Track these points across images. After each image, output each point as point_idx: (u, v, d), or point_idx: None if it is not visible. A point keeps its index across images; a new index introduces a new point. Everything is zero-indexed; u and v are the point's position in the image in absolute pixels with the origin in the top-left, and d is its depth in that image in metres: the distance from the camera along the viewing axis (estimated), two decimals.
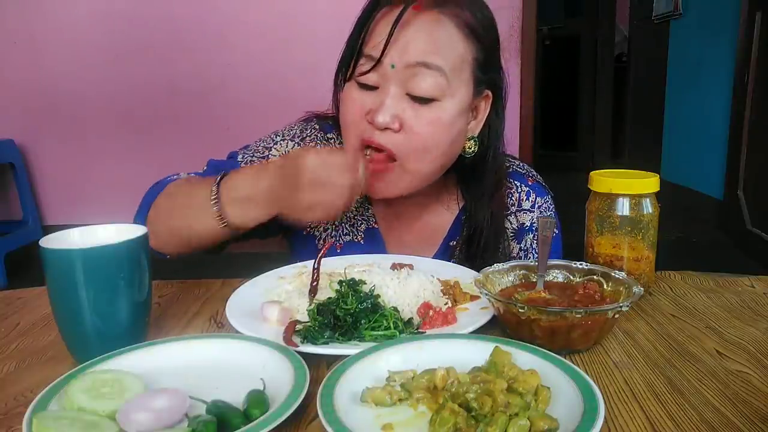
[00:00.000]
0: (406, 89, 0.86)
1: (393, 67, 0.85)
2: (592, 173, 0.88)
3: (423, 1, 0.85)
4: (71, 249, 0.65)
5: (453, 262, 1.01)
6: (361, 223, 1.05)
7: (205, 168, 1.02)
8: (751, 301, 0.85)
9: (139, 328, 0.70)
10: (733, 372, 0.64)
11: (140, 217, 0.93)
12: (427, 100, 0.87)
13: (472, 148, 0.96)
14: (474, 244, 1.01)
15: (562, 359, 0.60)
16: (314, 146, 1.03)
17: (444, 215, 1.06)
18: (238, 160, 1.01)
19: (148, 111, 3.41)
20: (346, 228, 1.05)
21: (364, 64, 0.88)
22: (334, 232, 1.05)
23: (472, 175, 1.00)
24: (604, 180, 0.86)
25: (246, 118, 3.36)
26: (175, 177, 0.97)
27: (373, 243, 1.04)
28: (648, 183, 0.85)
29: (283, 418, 0.50)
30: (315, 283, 0.78)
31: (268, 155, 1.01)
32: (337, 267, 0.85)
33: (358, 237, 1.05)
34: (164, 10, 3.30)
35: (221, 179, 0.84)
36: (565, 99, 6.19)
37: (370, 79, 0.88)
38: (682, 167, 4.40)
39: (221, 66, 3.36)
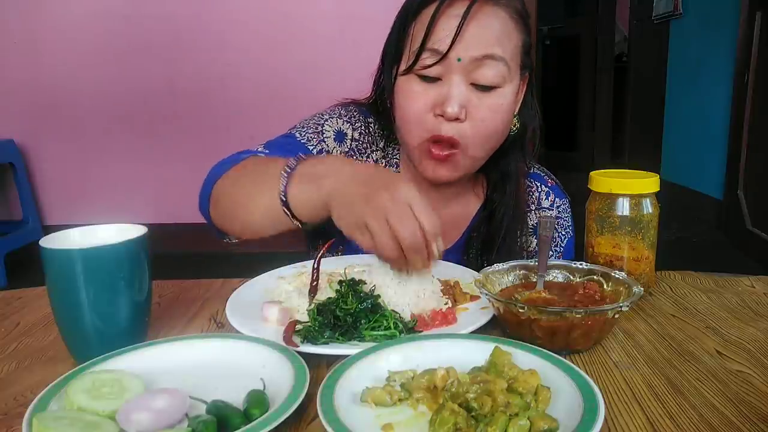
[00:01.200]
0: (470, 79, 0.89)
1: (459, 60, 0.88)
2: (592, 173, 0.88)
3: None
4: (71, 249, 0.65)
5: (471, 253, 1.04)
6: None
7: (263, 147, 0.97)
8: (751, 301, 0.85)
9: (139, 328, 0.70)
10: (733, 372, 0.64)
11: (204, 199, 0.89)
12: (490, 88, 0.90)
13: (516, 125, 1.00)
14: (494, 227, 1.03)
15: (562, 359, 0.60)
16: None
17: (470, 206, 1.09)
18: (297, 138, 1.01)
19: (148, 111, 3.41)
20: None
21: (427, 58, 0.89)
22: None
23: (506, 152, 1.02)
24: (604, 180, 0.86)
25: (246, 118, 3.36)
26: (247, 155, 0.91)
27: None
28: (648, 183, 0.85)
29: (283, 418, 0.51)
30: (315, 283, 0.78)
31: (321, 131, 1.03)
32: (337, 267, 0.85)
33: None
34: (164, 10, 3.30)
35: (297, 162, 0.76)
36: (565, 99, 6.19)
37: (433, 71, 0.89)
38: (682, 167, 4.40)
39: (221, 66, 3.36)
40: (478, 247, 1.04)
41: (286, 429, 0.53)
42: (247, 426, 0.49)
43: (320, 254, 0.80)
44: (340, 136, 1.04)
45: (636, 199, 0.84)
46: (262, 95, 3.37)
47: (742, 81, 3.42)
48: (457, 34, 0.86)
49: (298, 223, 0.75)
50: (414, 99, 0.91)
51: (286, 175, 0.74)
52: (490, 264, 0.98)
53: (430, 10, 0.88)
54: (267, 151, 0.97)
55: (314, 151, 1.01)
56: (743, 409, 0.57)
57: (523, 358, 0.60)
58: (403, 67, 0.92)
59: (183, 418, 0.52)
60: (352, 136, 1.05)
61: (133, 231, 0.71)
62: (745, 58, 3.38)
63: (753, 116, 3.33)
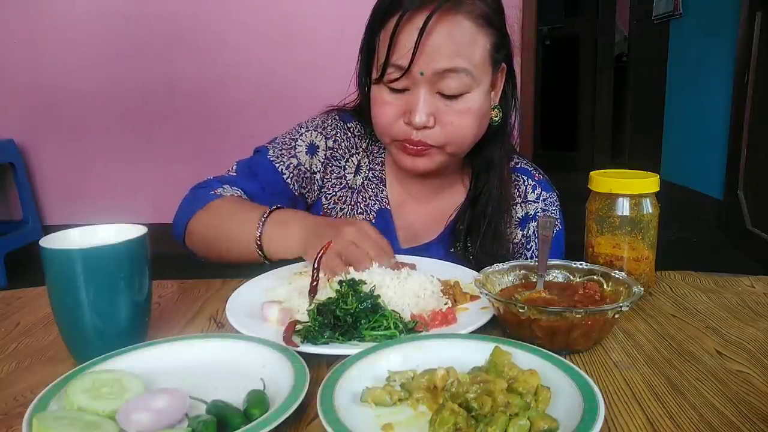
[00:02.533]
0: (436, 89, 0.92)
1: (422, 74, 0.90)
2: (592, 173, 0.88)
3: (444, 6, 0.87)
4: (71, 249, 0.65)
5: (458, 246, 1.06)
6: (375, 204, 1.09)
7: (235, 168, 1.09)
8: (751, 301, 0.85)
9: (139, 328, 0.70)
10: (733, 372, 0.64)
11: (179, 227, 1.02)
12: (456, 96, 0.92)
13: (498, 116, 1.02)
14: (478, 213, 1.04)
15: (562, 359, 0.60)
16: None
17: (455, 196, 1.10)
18: (269, 155, 1.08)
19: (148, 111, 3.41)
20: (361, 207, 1.09)
21: (393, 72, 0.91)
22: (349, 212, 1.10)
23: (489, 140, 1.04)
24: (604, 180, 0.86)
25: (246, 118, 3.36)
26: (217, 192, 1.02)
27: (384, 223, 1.08)
28: (648, 183, 0.85)
29: (283, 418, 0.51)
30: (315, 283, 0.78)
31: (294, 145, 1.08)
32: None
33: (371, 216, 1.09)
34: (164, 10, 3.29)
35: (266, 216, 0.93)
36: (565, 99, 6.18)
37: (400, 84, 0.92)
38: (682, 167, 4.40)
39: (221, 66, 3.35)
40: (464, 235, 1.06)
41: (286, 429, 0.53)
42: (247, 426, 0.49)
43: (320, 254, 0.80)
44: (312, 149, 1.09)
45: (636, 199, 0.84)
46: (262, 95, 3.37)
47: (742, 81, 3.42)
48: (416, 49, 0.87)
49: (266, 261, 0.93)
50: (384, 108, 0.95)
51: (260, 223, 0.92)
52: (475, 252, 1.00)
53: (393, 22, 0.89)
54: (235, 175, 1.08)
55: (281, 167, 1.07)
56: (743, 409, 0.57)
57: (523, 358, 0.60)
58: (374, 76, 0.95)
59: (183, 418, 0.52)
60: (326, 145, 1.09)
61: (133, 231, 0.71)
62: (745, 58, 3.38)
63: (753, 116, 3.33)
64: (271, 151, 1.08)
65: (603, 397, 0.52)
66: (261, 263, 0.94)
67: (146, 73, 3.35)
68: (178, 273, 0.97)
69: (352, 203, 1.10)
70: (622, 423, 0.54)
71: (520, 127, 1.10)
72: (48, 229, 2.71)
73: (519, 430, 0.49)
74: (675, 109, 4.60)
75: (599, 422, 0.48)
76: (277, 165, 1.07)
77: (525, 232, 1.09)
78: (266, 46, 3.34)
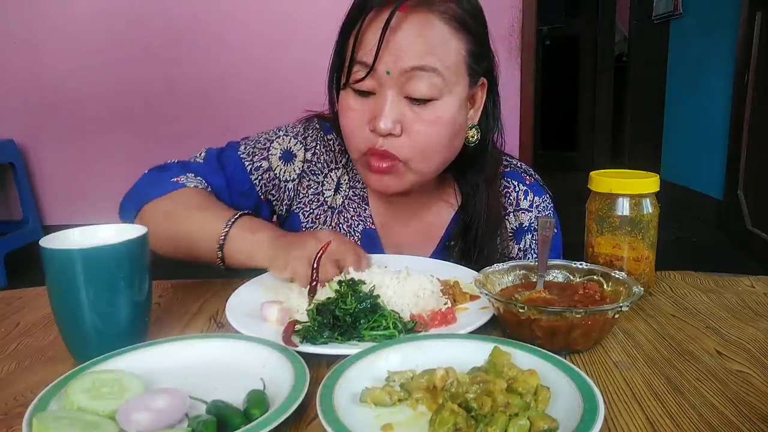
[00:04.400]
0: (404, 93, 0.86)
1: (388, 73, 0.85)
2: (592, 173, 0.88)
3: (411, 1, 0.84)
4: (71, 249, 0.65)
5: (452, 262, 1.01)
6: (359, 224, 1.05)
7: (203, 155, 1.03)
8: (751, 301, 0.85)
9: (139, 328, 0.70)
10: (733, 372, 0.64)
11: (130, 208, 0.95)
12: (426, 101, 0.86)
13: (475, 137, 0.96)
14: (470, 238, 1.00)
15: (562, 359, 0.60)
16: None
17: (442, 214, 1.06)
18: (239, 151, 1.02)
19: (148, 111, 3.41)
20: (344, 229, 1.05)
21: (358, 71, 0.87)
22: None
23: (471, 164, 1.00)
24: (604, 180, 0.86)
25: (246, 118, 3.36)
26: (180, 180, 0.96)
27: (370, 244, 1.04)
28: (648, 183, 0.85)
29: (283, 418, 0.51)
30: (314, 283, 0.78)
31: (269, 147, 1.03)
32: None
33: (355, 238, 1.05)
34: (164, 10, 3.30)
35: (232, 222, 0.87)
36: (565, 99, 6.18)
37: (366, 85, 0.87)
38: (682, 167, 4.40)
39: (221, 66, 3.36)
40: (457, 257, 1.02)
41: (286, 429, 0.53)
42: (247, 426, 0.49)
43: (320, 254, 0.80)
44: (287, 156, 1.03)
45: (636, 199, 0.84)
46: (262, 95, 3.37)
47: (742, 81, 3.41)
48: (380, 46, 0.82)
49: (221, 264, 0.88)
50: (350, 114, 0.90)
51: (228, 224, 0.86)
52: None
53: (360, 21, 0.85)
54: (202, 163, 1.01)
55: (250, 167, 1.01)
56: (743, 409, 0.57)
57: (523, 358, 0.60)
58: (343, 81, 0.90)
59: (183, 418, 0.52)
60: (305, 157, 1.04)
61: (133, 231, 0.71)
62: (745, 58, 3.38)
63: (753, 116, 3.33)
64: (243, 148, 1.03)
65: (603, 397, 0.52)
66: (215, 266, 0.89)
67: (146, 73, 3.35)
68: (178, 273, 0.97)
69: (334, 224, 1.05)
70: (622, 423, 0.54)
71: (503, 147, 1.05)
72: (48, 229, 2.70)
73: (519, 430, 0.49)
74: (675, 109, 4.60)
75: (599, 422, 0.48)
76: (247, 164, 1.01)
77: (521, 246, 1.05)
78: (266, 46, 3.34)
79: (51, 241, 0.67)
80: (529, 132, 3.45)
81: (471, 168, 1.00)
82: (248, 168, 1.01)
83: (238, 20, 3.32)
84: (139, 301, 0.69)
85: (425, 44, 0.84)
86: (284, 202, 1.05)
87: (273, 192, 1.04)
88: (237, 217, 0.87)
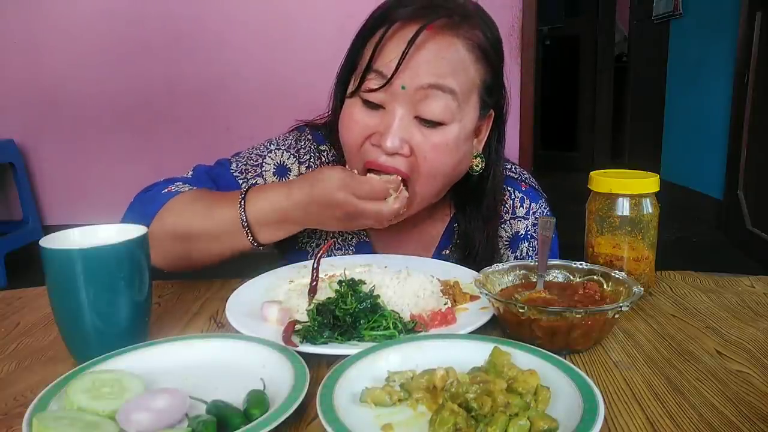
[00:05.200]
0: (415, 112, 0.84)
1: (404, 88, 0.83)
2: (592, 173, 0.88)
3: (438, 22, 0.83)
4: (71, 249, 0.65)
5: None
6: (352, 237, 1.04)
7: (191, 173, 1.00)
8: (751, 301, 0.85)
9: (139, 328, 0.70)
10: (733, 372, 0.64)
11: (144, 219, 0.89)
12: (435, 124, 0.85)
13: (480, 165, 0.95)
14: (467, 255, 1.00)
15: (562, 359, 0.60)
16: (331, 167, 0.92)
17: (436, 225, 1.05)
18: (231, 168, 0.99)
19: (148, 111, 3.41)
20: (338, 243, 1.04)
21: (372, 80, 0.84)
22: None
23: (471, 193, 0.99)
24: (604, 180, 0.86)
25: (246, 118, 3.37)
26: (172, 189, 0.92)
27: None
28: (648, 183, 0.85)
29: (283, 418, 0.51)
30: (314, 283, 0.78)
31: (262, 163, 1.00)
32: (337, 267, 0.85)
33: (350, 251, 1.04)
34: (164, 10, 3.30)
35: (244, 201, 0.85)
36: (565, 99, 6.19)
37: (377, 97, 0.85)
38: (682, 167, 4.40)
39: (221, 66, 3.36)
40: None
41: (286, 429, 0.53)
42: (247, 426, 0.49)
43: (320, 254, 0.80)
44: (281, 171, 1.00)
45: (636, 199, 0.84)
46: (262, 95, 3.37)
47: (742, 81, 3.41)
48: (402, 59, 0.81)
49: (255, 243, 0.86)
50: (354, 126, 0.87)
51: (249, 235, 0.85)
52: None
53: (381, 32, 0.84)
54: (190, 177, 0.97)
55: (244, 185, 0.97)
56: (743, 409, 0.57)
57: (523, 359, 0.60)
58: (350, 89, 0.88)
59: (183, 418, 0.52)
60: (299, 171, 1.01)
61: (133, 231, 0.71)
62: (745, 58, 3.38)
63: (753, 116, 3.33)
64: (234, 165, 0.99)
65: (603, 397, 0.52)
66: (249, 251, 0.86)
67: (146, 73, 3.36)
68: (178, 273, 0.97)
69: (328, 238, 1.02)
70: (622, 423, 0.54)
71: (517, 138, 1.05)
72: (48, 229, 2.70)
73: (519, 430, 0.49)
74: (675, 109, 4.60)
75: (599, 422, 0.48)
76: (240, 181, 0.98)
77: (518, 255, 1.04)
78: (266, 46, 3.34)
79: (51, 241, 0.67)
80: (529, 132, 3.45)
81: (471, 198, 0.99)
82: (243, 186, 0.97)
83: (238, 20, 3.32)
84: (139, 301, 0.69)
85: (447, 65, 0.83)
86: None
87: None
88: (245, 193, 0.86)
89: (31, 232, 3.26)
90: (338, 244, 1.04)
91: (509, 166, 1.08)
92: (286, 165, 1.01)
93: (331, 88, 0.97)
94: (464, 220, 1.01)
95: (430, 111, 0.84)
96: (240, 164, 1.00)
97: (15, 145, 3.32)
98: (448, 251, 1.04)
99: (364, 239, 1.04)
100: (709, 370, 0.65)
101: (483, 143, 0.96)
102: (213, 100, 3.40)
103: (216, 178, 0.99)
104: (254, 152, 1.02)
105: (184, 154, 3.41)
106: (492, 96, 0.92)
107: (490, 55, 0.88)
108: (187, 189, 0.93)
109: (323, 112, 1.03)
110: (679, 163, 4.48)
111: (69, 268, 0.64)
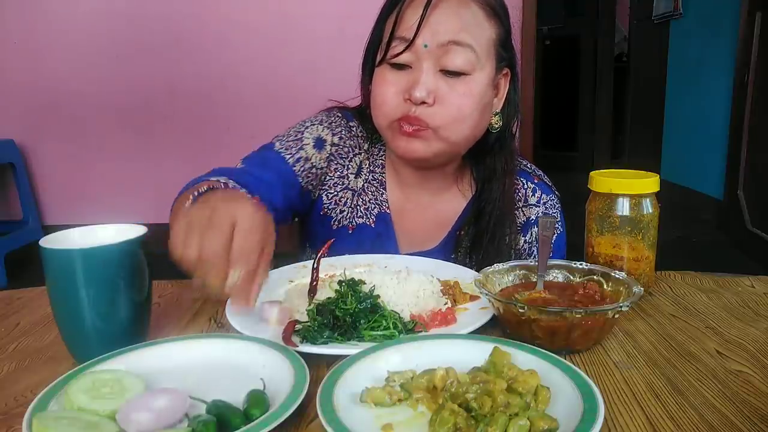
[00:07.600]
0: (439, 65, 0.92)
1: (426, 46, 0.91)
2: (592, 173, 0.88)
3: None
4: (71, 249, 0.65)
5: (459, 252, 1.05)
6: (375, 207, 1.09)
7: (241, 164, 1.02)
8: (751, 301, 0.85)
9: (139, 328, 0.70)
10: (733, 372, 0.64)
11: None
12: (459, 74, 0.92)
13: (498, 123, 1.03)
14: (482, 224, 1.04)
15: (562, 359, 0.60)
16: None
17: (455, 203, 1.10)
18: (275, 148, 1.06)
19: (149, 111, 3.41)
20: (361, 210, 1.09)
21: (396, 46, 0.93)
22: (349, 214, 1.09)
23: (491, 150, 1.05)
24: (604, 180, 0.86)
25: (246, 118, 3.36)
26: (200, 178, 0.92)
27: (384, 227, 1.08)
28: (648, 183, 0.85)
29: (283, 418, 0.51)
30: (314, 283, 0.78)
31: (301, 138, 1.07)
32: (337, 267, 0.85)
33: (371, 220, 1.08)
34: (164, 10, 3.29)
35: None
36: (565, 99, 6.19)
37: (403, 58, 0.93)
38: (682, 167, 4.40)
39: (221, 66, 3.35)
40: (466, 246, 1.05)
41: (286, 429, 0.53)
42: (247, 426, 0.49)
43: (320, 254, 0.80)
44: (319, 143, 1.07)
45: (636, 199, 0.84)
46: (262, 95, 3.37)
47: (742, 81, 3.41)
48: (421, 21, 0.90)
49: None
50: (385, 85, 0.95)
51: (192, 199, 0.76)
52: (478, 263, 1.00)
53: (399, 4, 0.93)
54: (243, 167, 1.01)
55: (291, 160, 1.04)
56: (743, 409, 0.57)
57: (523, 359, 0.60)
58: (378, 58, 0.97)
59: (183, 418, 0.53)
60: (332, 141, 1.08)
61: (132, 231, 0.71)
62: (745, 58, 3.38)
63: (753, 116, 3.33)
64: (278, 144, 1.06)
65: (603, 397, 0.52)
66: None
67: (146, 73, 3.35)
68: (178, 273, 0.97)
69: (353, 206, 1.09)
70: (622, 423, 0.54)
71: (519, 134, 1.10)
72: (48, 229, 2.70)
73: (519, 430, 0.49)
74: (675, 109, 4.60)
75: (599, 422, 0.48)
76: (287, 158, 1.04)
77: (527, 238, 1.08)
78: (266, 46, 3.34)
79: (51, 241, 0.67)
80: (529, 132, 3.45)
81: (490, 154, 1.06)
82: (289, 161, 1.04)
83: (238, 20, 3.32)
84: (139, 301, 0.69)
85: (462, 22, 0.92)
86: (317, 188, 1.09)
87: (313, 181, 1.08)
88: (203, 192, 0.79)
89: (31, 232, 3.26)
90: (360, 212, 1.09)
91: (523, 162, 1.14)
92: (322, 137, 1.08)
93: (358, 72, 1.05)
94: (482, 178, 1.07)
95: (452, 63, 0.92)
96: (282, 143, 1.07)
97: (15, 145, 3.32)
98: (463, 231, 1.07)
99: (385, 210, 1.09)
100: (709, 370, 0.64)
101: (503, 101, 1.03)
102: (213, 100, 3.40)
103: (265, 161, 1.04)
104: (292, 131, 1.09)
105: (184, 154, 3.41)
106: (506, 51, 1.00)
107: (500, 13, 0.97)
108: (223, 181, 0.89)
109: (350, 101, 1.10)
110: (679, 163, 4.48)
111: (69, 268, 0.64)
